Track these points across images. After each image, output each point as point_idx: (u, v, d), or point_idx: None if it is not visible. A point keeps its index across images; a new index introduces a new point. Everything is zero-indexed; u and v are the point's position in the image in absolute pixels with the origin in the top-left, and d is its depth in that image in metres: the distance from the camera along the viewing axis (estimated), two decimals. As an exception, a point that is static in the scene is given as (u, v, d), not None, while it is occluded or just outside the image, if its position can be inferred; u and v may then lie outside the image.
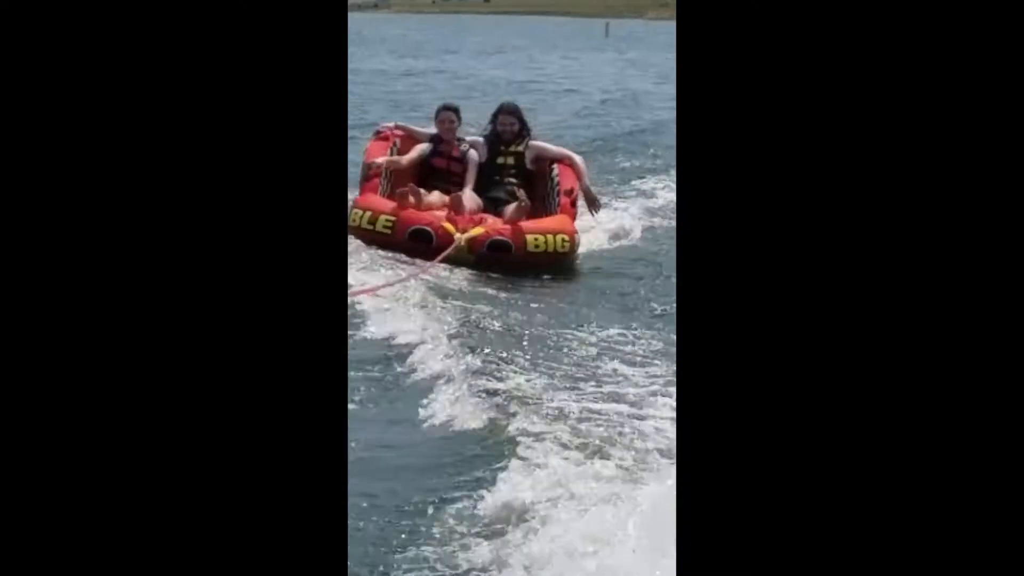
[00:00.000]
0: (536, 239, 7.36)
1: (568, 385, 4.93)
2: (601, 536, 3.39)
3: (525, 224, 7.52)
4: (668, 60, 34.66)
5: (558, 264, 7.42)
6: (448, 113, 8.50)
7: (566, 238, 7.45)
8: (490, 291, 6.84)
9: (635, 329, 5.94)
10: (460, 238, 7.20)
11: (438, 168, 8.35)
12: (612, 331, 5.87)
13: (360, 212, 7.55)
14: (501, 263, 7.26)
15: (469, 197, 7.89)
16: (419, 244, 7.31)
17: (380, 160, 8.23)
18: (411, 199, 7.62)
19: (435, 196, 7.95)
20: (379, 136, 8.76)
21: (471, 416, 4.47)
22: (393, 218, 7.46)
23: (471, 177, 8.18)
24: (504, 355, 5.30)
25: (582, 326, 6.00)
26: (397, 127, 8.87)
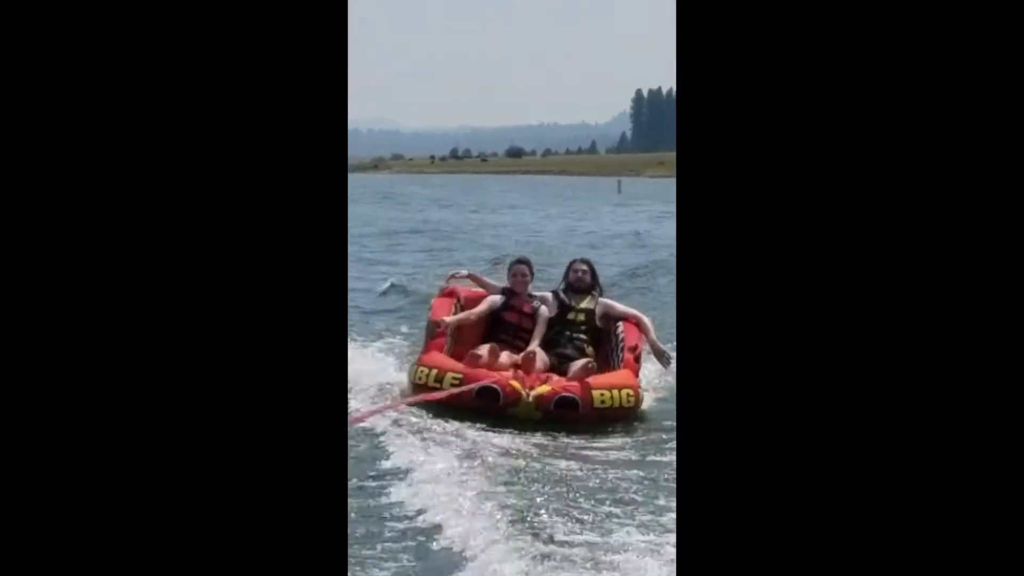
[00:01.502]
0: (602, 394, 7.40)
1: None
2: None
3: (591, 380, 7.56)
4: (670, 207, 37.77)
5: (623, 419, 7.45)
6: (521, 267, 8.51)
7: (631, 393, 7.50)
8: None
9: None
10: (528, 395, 7.22)
11: (508, 322, 8.30)
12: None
13: (426, 371, 7.53)
14: (567, 419, 7.27)
15: (541, 357, 7.90)
16: (486, 401, 7.23)
17: (449, 319, 8.17)
18: (484, 359, 7.64)
19: (505, 356, 7.92)
20: (443, 293, 8.84)
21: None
22: (460, 376, 7.42)
23: (539, 332, 8.19)
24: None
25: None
26: (471, 275, 9.03)
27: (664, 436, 6.99)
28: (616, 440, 7.09)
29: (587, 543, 4.73)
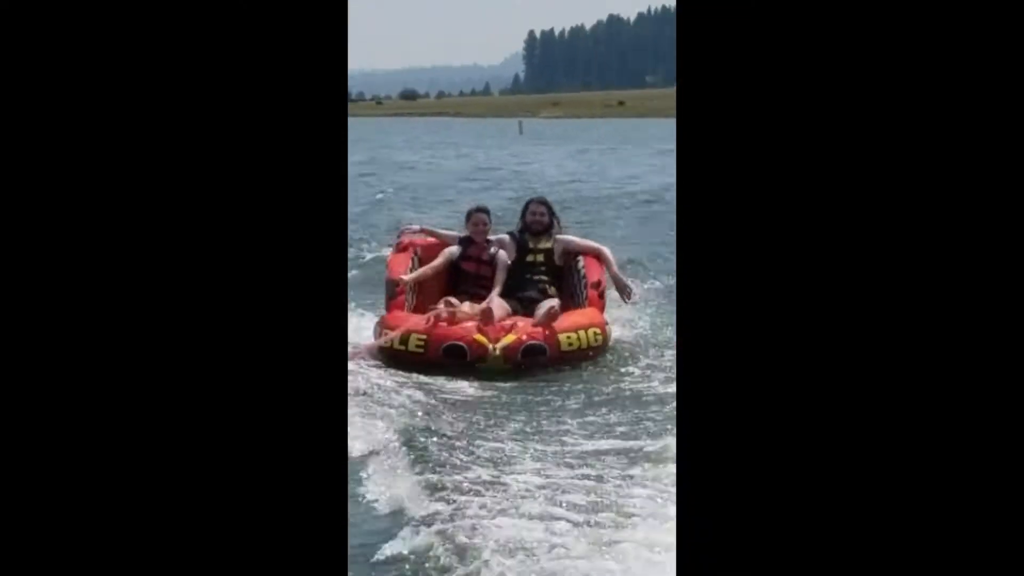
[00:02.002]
0: (569, 337, 7.34)
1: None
2: None
3: (556, 324, 7.44)
4: (578, 148, 38.54)
5: (592, 358, 7.38)
6: (481, 215, 8.33)
7: (598, 332, 7.47)
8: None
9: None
10: (495, 348, 7.12)
11: (467, 272, 8.14)
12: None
13: (390, 332, 7.33)
14: (537, 365, 7.19)
15: (498, 305, 7.72)
16: (454, 360, 7.14)
17: (406, 277, 7.97)
18: (444, 315, 7.44)
19: (467, 307, 7.69)
20: (399, 247, 8.52)
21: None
22: (425, 336, 7.25)
23: (500, 279, 8.04)
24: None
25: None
26: (423, 230, 8.73)
27: (633, 368, 7.13)
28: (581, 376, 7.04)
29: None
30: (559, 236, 8.36)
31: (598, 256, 8.25)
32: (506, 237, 8.30)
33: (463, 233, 8.40)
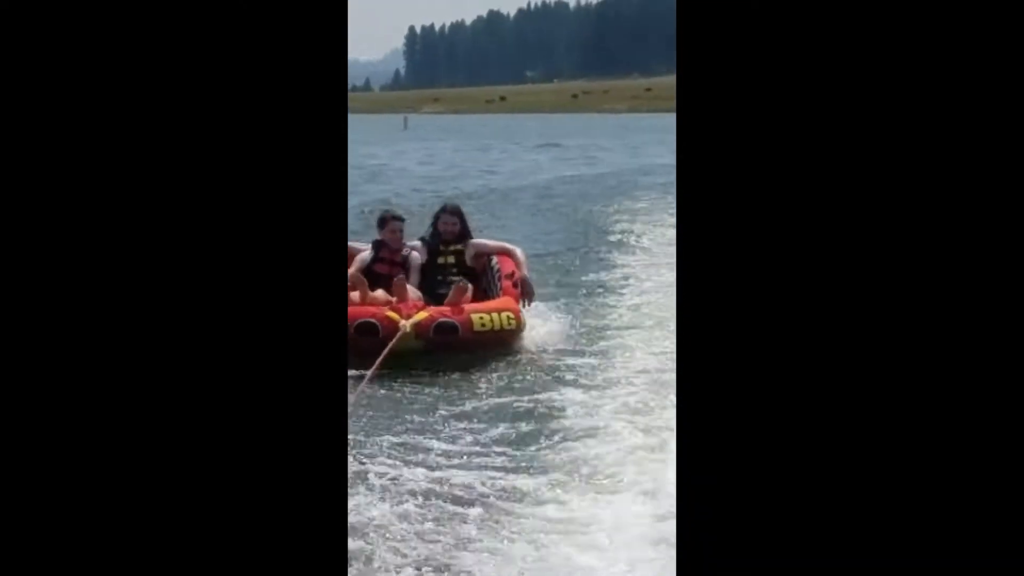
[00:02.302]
0: (482, 318, 7.32)
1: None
2: None
3: (469, 305, 7.50)
4: (458, 142, 39.91)
5: (506, 344, 7.39)
6: (396, 223, 8.35)
7: (511, 315, 7.43)
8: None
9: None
10: (405, 324, 7.12)
11: (380, 274, 8.08)
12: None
13: None
14: (449, 346, 7.17)
15: (411, 289, 7.77)
16: (365, 337, 7.01)
17: None
18: (355, 295, 7.46)
19: (379, 293, 7.74)
20: None
21: None
22: None
23: (414, 279, 8.05)
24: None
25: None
26: None
27: (549, 368, 7.02)
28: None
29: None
30: (472, 241, 8.43)
31: (509, 255, 8.39)
32: (418, 243, 8.35)
33: (373, 239, 8.40)
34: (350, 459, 4.77)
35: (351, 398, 5.68)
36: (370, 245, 8.39)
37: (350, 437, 5.20)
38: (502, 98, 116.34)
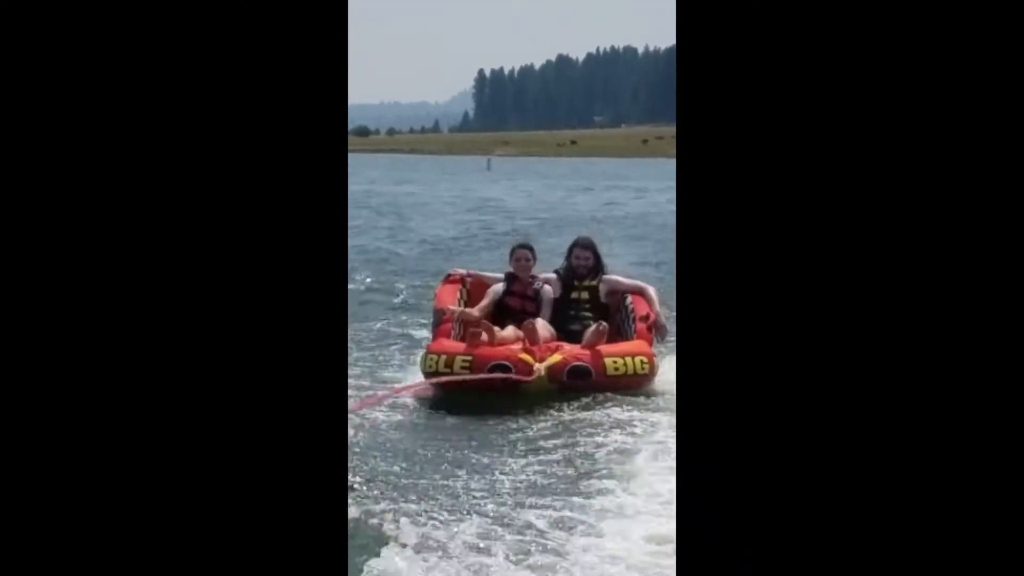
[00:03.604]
0: (615, 362, 7.28)
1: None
2: None
3: (603, 348, 7.43)
4: (543, 181, 45.38)
5: (638, 388, 7.32)
6: (524, 251, 8.33)
7: (645, 360, 7.36)
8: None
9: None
10: (540, 368, 7.11)
11: (511, 307, 8.11)
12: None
13: (435, 357, 7.34)
14: (581, 388, 7.17)
15: (543, 325, 7.70)
16: (499, 376, 7.12)
17: (453, 307, 8.01)
18: (484, 336, 7.45)
19: (509, 331, 7.70)
20: (448, 279, 8.63)
21: None
22: (469, 357, 7.27)
23: (546, 313, 8.03)
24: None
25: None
26: (469, 274, 8.76)
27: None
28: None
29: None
30: (605, 276, 8.38)
31: (643, 294, 8.27)
32: (552, 275, 8.34)
33: (506, 271, 8.44)
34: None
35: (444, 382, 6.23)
36: (504, 277, 8.38)
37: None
38: (573, 142, 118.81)
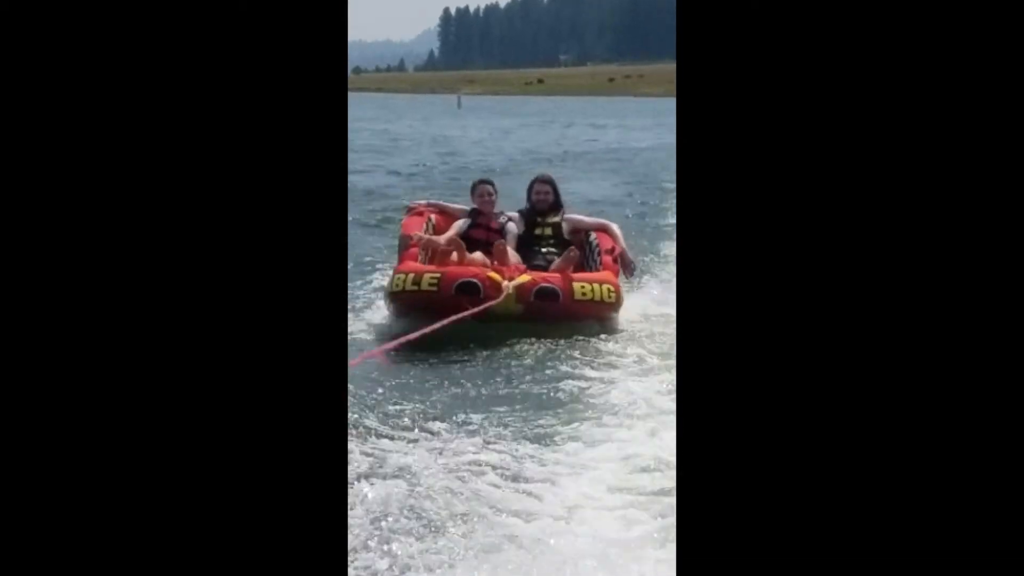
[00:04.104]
0: (583, 287, 7.37)
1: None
2: None
3: (572, 273, 7.56)
4: (510, 119, 45.38)
5: (603, 316, 7.42)
6: (485, 186, 8.45)
7: (612, 288, 7.46)
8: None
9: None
10: (508, 286, 7.17)
11: (477, 240, 8.11)
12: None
13: (403, 276, 7.34)
14: (548, 312, 7.23)
15: (512, 253, 7.81)
16: (467, 297, 7.08)
17: (420, 234, 8.01)
18: (454, 256, 7.56)
19: (477, 255, 7.79)
20: (412, 212, 8.75)
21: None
22: (438, 275, 7.28)
23: (510, 247, 7.99)
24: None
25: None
26: (430, 205, 8.86)
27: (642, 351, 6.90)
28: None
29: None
30: (568, 215, 8.58)
31: (606, 231, 8.47)
32: (515, 214, 8.50)
33: (470, 206, 8.50)
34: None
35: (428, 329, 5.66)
36: (468, 212, 8.48)
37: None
38: (540, 81, 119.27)
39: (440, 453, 4.69)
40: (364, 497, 4.06)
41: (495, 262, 7.63)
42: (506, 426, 5.20)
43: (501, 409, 5.51)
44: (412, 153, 26.87)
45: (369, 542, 3.70)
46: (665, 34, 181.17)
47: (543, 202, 8.56)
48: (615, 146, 30.19)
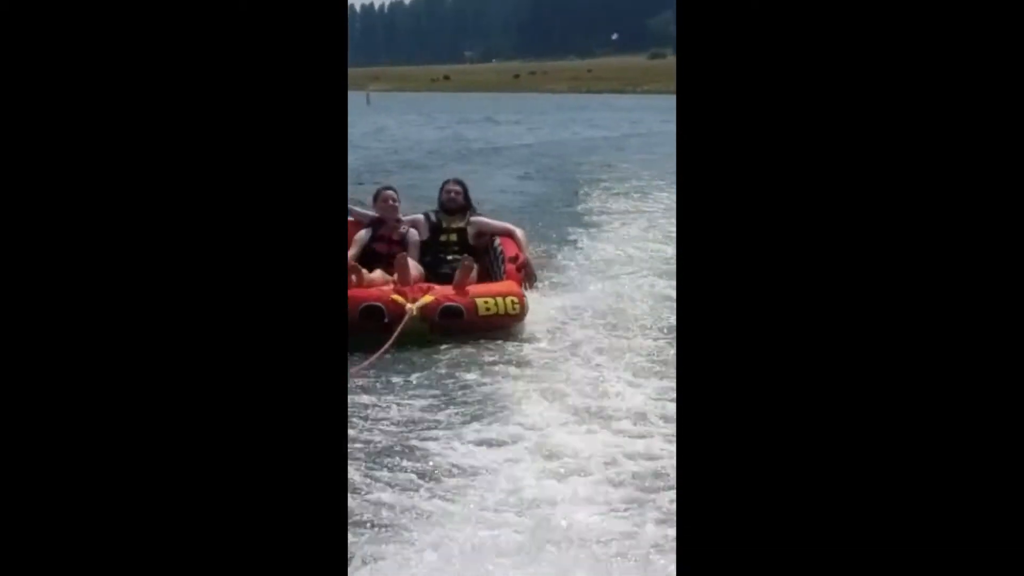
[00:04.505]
0: (487, 302, 7.40)
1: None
2: None
3: (473, 288, 7.54)
4: (419, 115, 45.40)
5: (509, 327, 7.45)
6: (389, 192, 8.37)
7: (515, 300, 7.49)
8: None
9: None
10: (412, 308, 7.17)
11: (379, 253, 8.01)
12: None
13: None
14: (454, 328, 7.25)
15: (413, 265, 7.77)
16: (370, 322, 7.09)
17: None
18: (352, 278, 7.34)
19: (377, 274, 7.68)
20: None
21: None
22: None
23: (413, 256, 8.02)
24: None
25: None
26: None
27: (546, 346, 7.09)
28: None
29: None
30: (473, 218, 8.52)
31: (511, 236, 8.51)
32: (420, 217, 8.44)
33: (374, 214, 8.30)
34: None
35: (352, 373, 5.81)
36: (369, 222, 8.26)
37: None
38: (446, 77, 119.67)
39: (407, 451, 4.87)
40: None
41: (396, 276, 7.56)
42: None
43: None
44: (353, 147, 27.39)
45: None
46: (568, 31, 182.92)
47: (452, 201, 8.53)
48: (529, 141, 31.07)
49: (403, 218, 8.38)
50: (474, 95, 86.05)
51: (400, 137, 32.70)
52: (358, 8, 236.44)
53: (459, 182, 8.73)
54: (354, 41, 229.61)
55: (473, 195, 8.86)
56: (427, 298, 7.37)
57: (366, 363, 6.31)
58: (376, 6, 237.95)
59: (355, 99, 71.72)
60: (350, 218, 8.33)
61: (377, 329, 6.97)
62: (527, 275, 8.24)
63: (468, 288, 7.56)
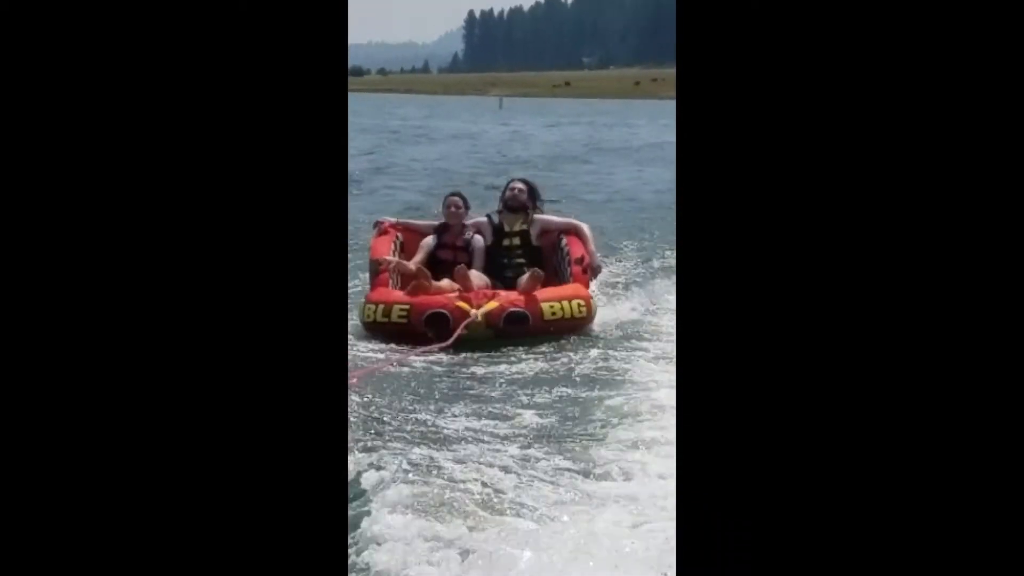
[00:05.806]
0: (552, 306, 7.39)
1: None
2: None
3: (539, 293, 7.51)
4: (552, 120, 47.54)
5: (576, 330, 7.44)
6: (455, 199, 8.35)
7: (582, 303, 7.48)
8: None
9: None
10: (476, 314, 7.16)
11: (444, 260, 8.05)
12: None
13: (373, 307, 7.43)
14: (519, 334, 7.22)
15: (476, 275, 7.77)
16: (436, 328, 7.15)
17: (389, 258, 7.98)
18: (424, 283, 7.50)
19: (445, 282, 7.71)
20: (381, 232, 8.54)
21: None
22: (407, 305, 7.36)
23: (478, 263, 8.05)
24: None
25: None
26: (397, 224, 8.67)
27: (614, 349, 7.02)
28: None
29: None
30: (536, 216, 8.43)
31: (576, 232, 8.36)
32: (483, 220, 8.38)
33: (439, 221, 8.41)
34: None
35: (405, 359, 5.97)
36: (435, 228, 8.39)
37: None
38: (567, 83, 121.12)
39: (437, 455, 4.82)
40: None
41: (460, 285, 7.56)
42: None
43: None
44: (491, 147, 29.65)
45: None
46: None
47: (515, 199, 8.42)
48: (654, 140, 32.95)
49: (467, 223, 8.40)
50: (594, 101, 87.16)
51: (545, 136, 35.08)
52: (477, 14, 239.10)
53: (524, 180, 8.65)
54: (472, 47, 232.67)
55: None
56: (492, 304, 7.38)
57: (419, 351, 6.63)
58: (495, 12, 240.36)
59: (487, 103, 73.78)
60: (404, 231, 8.55)
61: (440, 337, 7.06)
62: (592, 271, 8.18)
63: (534, 293, 7.57)
